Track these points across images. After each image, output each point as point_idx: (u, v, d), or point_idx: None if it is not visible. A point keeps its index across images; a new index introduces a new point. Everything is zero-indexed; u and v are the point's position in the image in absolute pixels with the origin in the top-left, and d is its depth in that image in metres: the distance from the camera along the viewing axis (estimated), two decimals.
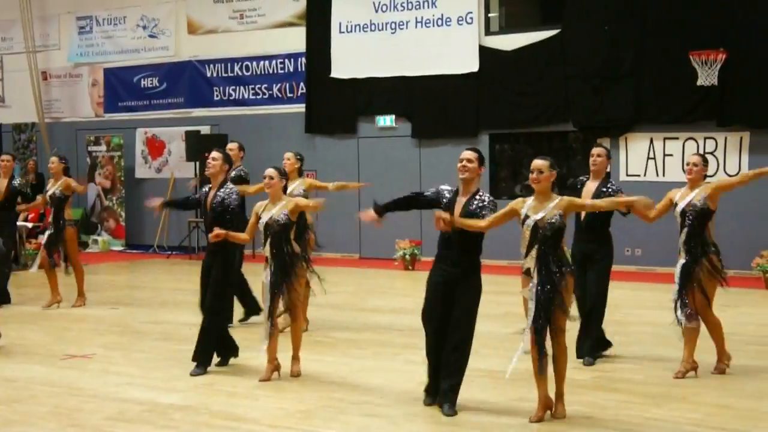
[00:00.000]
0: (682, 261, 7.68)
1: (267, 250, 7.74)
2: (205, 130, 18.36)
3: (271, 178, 7.69)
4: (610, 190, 8.14)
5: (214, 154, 8.19)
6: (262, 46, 18.11)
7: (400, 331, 10.04)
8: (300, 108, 17.71)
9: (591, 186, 8.25)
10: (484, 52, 15.94)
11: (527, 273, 6.49)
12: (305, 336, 9.60)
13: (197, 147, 17.49)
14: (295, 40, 17.69)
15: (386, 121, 16.98)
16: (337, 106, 17.26)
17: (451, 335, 6.61)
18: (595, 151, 8.35)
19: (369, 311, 11.51)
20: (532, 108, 15.62)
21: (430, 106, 16.41)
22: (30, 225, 16.56)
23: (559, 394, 6.56)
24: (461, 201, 6.64)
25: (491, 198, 6.69)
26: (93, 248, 19.39)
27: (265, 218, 7.70)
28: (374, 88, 16.92)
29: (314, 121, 17.57)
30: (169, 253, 18.35)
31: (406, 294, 13.32)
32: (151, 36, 19.49)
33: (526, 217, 6.43)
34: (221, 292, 8.11)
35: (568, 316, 6.45)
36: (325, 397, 7.24)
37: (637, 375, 7.87)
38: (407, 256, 15.51)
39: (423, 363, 8.16)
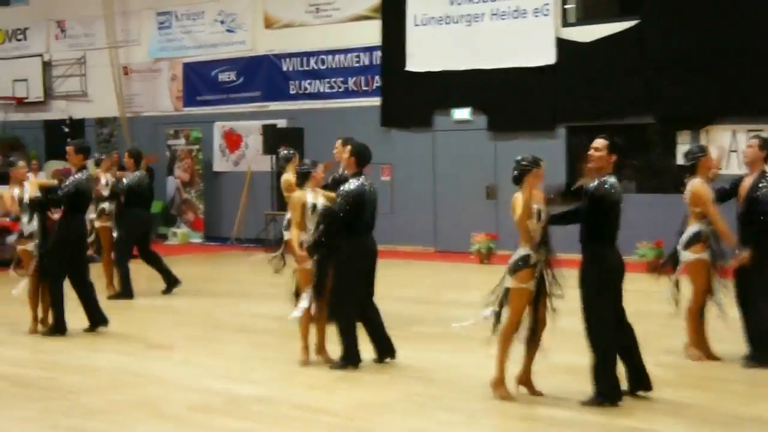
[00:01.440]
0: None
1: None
2: (281, 123, 18.50)
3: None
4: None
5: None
6: (338, 39, 18.17)
7: (478, 325, 9.95)
8: (375, 101, 17.73)
9: (747, 181, 7.98)
10: (561, 44, 15.75)
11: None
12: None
13: (274, 140, 17.66)
14: (371, 33, 17.71)
15: (462, 114, 16.90)
16: (412, 99, 17.22)
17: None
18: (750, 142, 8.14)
19: (446, 305, 11.47)
20: (610, 100, 15.37)
21: (506, 98, 16.26)
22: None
23: None
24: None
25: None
26: (172, 240, 19.72)
27: (316, 202, 7.97)
28: (450, 81, 16.83)
29: (390, 114, 17.57)
30: (247, 245, 18.55)
31: (482, 288, 13.20)
32: (228, 30, 19.71)
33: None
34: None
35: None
36: (403, 390, 7.24)
37: (723, 372, 7.72)
38: (483, 250, 15.42)
39: None
